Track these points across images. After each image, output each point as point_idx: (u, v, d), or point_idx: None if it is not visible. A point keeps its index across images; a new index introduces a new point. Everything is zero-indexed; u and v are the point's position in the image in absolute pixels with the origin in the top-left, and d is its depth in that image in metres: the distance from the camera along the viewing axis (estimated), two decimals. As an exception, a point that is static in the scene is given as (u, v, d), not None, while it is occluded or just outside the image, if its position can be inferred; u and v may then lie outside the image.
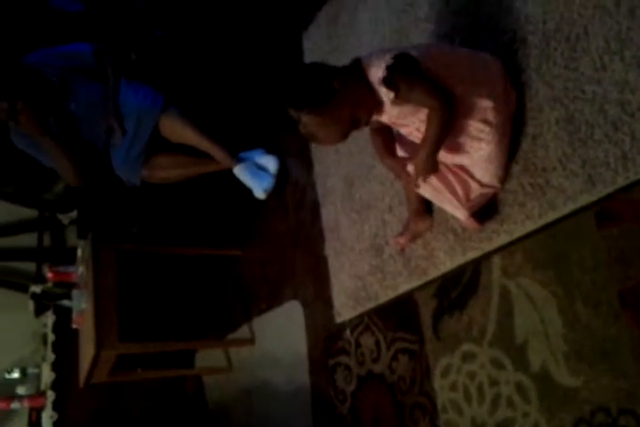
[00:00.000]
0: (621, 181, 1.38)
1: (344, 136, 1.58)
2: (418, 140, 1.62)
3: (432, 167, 1.54)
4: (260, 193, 2.80)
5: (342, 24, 2.46)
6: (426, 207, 1.84)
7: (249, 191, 2.85)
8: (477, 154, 1.58)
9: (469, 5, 1.83)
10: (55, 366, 3.50)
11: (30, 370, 3.63)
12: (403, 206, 2.00)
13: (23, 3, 3.23)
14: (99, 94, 2.86)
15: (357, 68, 1.53)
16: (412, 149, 1.66)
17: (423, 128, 1.55)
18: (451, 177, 1.65)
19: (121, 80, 2.89)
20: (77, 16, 3.27)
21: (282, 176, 2.81)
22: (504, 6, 1.71)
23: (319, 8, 2.62)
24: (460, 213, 1.68)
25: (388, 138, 1.72)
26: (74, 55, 2.87)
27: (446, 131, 1.51)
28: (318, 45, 2.61)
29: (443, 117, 1.48)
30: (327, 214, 2.47)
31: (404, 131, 1.63)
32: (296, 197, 2.75)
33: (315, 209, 2.56)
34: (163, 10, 3.34)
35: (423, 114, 1.52)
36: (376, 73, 1.50)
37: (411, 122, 1.56)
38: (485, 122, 1.55)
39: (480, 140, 1.56)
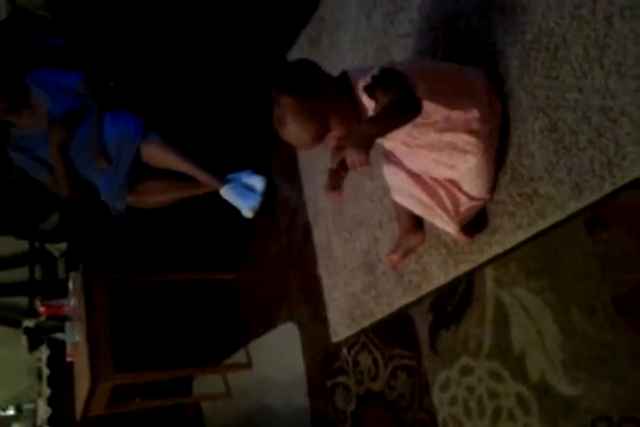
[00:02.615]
0: (608, 187, 1.38)
1: (311, 137, 1.50)
2: (404, 156, 1.62)
3: (365, 142, 1.40)
4: (247, 212, 2.82)
5: (324, 44, 2.48)
6: (417, 222, 1.83)
7: (238, 214, 2.85)
8: (464, 166, 1.58)
9: (448, 20, 1.85)
10: (51, 401, 3.46)
11: (26, 406, 3.58)
12: (393, 222, 2.00)
13: (12, 36, 3.30)
14: (71, 106, 2.93)
15: (344, 81, 1.54)
16: (401, 166, 1.67)
17: (409, 141, 1.55)
18: (441, 192, 1.65)
19: (103, 109, 2.94)
20: (62, 49, 3.32)
21: (270, 195, 2.82)
22: (482, 19, 1.73)
23: (301, 29, 2.64)
24: (451, 228, 1.67)
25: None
26: (62, 77, 2.95)
27: (397, 119, 1.45)
28: (301, 67, 2.63)
29: (401, 105, 1.44)
30: (319, 234, 2.47)
31: (388, 145, 1.63)
32: (287, 217, 2.75)
33: (306, 229, 2.56)
34: (141, 36, 3.38)
35: (408, 127, 1.52)
36: (360, 83, 1.50)
37: (395, 134, 1.56)
38: (472, 133, 1.55)
39: (466, 152, 1.57)
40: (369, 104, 1.51)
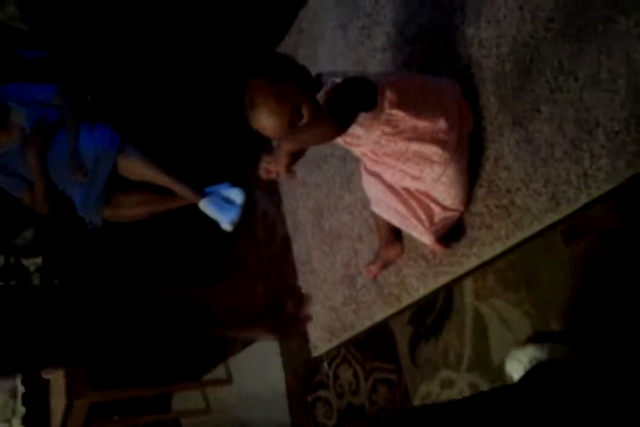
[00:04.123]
0: (584, 198, 1.39)
1: (279, 123, 1.48)
2: (372, 163, 1.62)
3: (278, 154, 1.44)
4: (226, 224, 2.81)
5: (301, 57, 2.48)
6: (395, 234, 1.83)
7: (217, 227, 2.84)
8: (430, 177, 1.59)
9: (424, 33, 1.86)
10: (26, 421, 3.38)
11: (0, 425, 3.50)
12: (373, 234, 1.99)
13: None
14: (48, 120, 2.90)
15: (318, 83, 1.54)
16: (379, 177, 1.67)
17: (377, 150, 1.56)
18: (414, 203, 1.65)
19: (80, 122, 2.92)
20: (39, 62, 3.30)
21: (249, 208, 2.81)
22: (458, 33, 1.74)
23: (278, 41, 2.65)
24: (426, 238, 1.67)
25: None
26: (37, 90, 2.92)
27: (310, 137, 1.47)
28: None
29: (326, 128, 1.44)
30: (298, 247, 2.46)
31: (357, 151, 1.63)
32: (266, 231, 2.73)
33: (285, 243, 2.54)
34: (117, 49, 3.36)
35: (376, 135, 1.53)
36: (324, 89, 1.51)
37: (364, 142, 1.56)
38: (439, 143, 1.56)
39: (433, 162, 1.57)
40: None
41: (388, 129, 1.51)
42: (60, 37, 3.33)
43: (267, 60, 1.56)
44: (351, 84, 1.49)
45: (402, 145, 1.55)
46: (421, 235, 1.67)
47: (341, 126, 1.46)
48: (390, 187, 1.65)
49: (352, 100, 1.47)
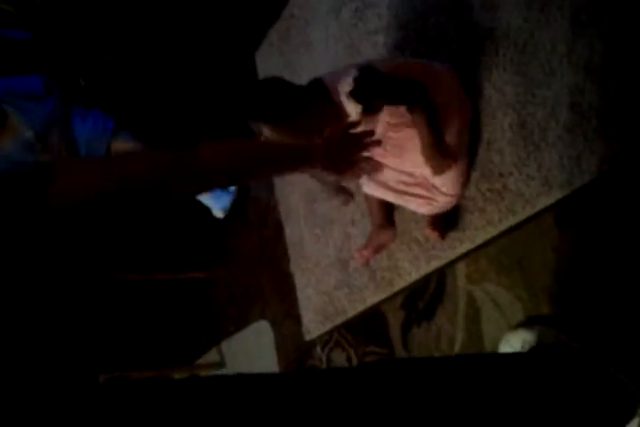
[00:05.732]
0: (577, 183, 1.39)
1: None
2: (377, 157, 1.62)
3: (442, 160, 1.53)
4: (218, 212, 2.82)
5: (294, 41, 2.46)
6: (388, 218, 1.83)
7: (210, 213, 2.84)
8: None
9: (418, 17, 1.85)
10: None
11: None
12: (365, 219, 1.99)
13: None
14: (47, 115, 2.85)
15: (320, 88, 1.53)
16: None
17: (384, 141, 1.54)
18: (417, 189, 1.64)
19: (71, 108, 2.88)
20: (24, 44, 3.24)
21: (242, 194, 2.81)
22: (452, 16, 1.73)
23: (270, 26, 2.62)
24: (425, 210, 1.68)
25: None
26: (22, 83, 2.87)
27: (436, 123, 1.51)
28: (271, 63, 2.62)
29: (423, 114, 1.49)
30: (291, 232, 2.46)
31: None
32: (259, 216, 2.73)
33: (278, 227, 2.54)
34: (110, 34, 3.32)
35: (382, 128, 1.52)
36: (343, 88, 1.49)
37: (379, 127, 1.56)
38: (442, 129, 1.55)
39: None
40: (354, 109, 1.50)
41: (393, 120, 1.51)
42: (48, 19, 3.28)
43: (260, 100, 1.52)
44: (369, 74, 1.49)
45: (407, 134, 1.55)
46: (419, 206, 1.66)
47: (418, 96, 1.49)
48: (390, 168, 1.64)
49: (379, 87, 1.49)
